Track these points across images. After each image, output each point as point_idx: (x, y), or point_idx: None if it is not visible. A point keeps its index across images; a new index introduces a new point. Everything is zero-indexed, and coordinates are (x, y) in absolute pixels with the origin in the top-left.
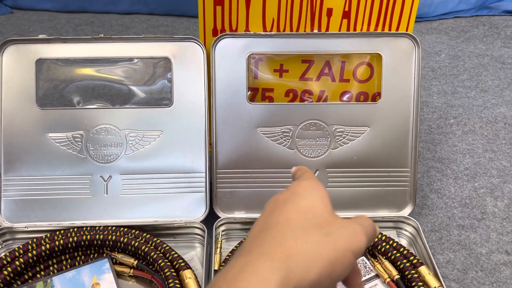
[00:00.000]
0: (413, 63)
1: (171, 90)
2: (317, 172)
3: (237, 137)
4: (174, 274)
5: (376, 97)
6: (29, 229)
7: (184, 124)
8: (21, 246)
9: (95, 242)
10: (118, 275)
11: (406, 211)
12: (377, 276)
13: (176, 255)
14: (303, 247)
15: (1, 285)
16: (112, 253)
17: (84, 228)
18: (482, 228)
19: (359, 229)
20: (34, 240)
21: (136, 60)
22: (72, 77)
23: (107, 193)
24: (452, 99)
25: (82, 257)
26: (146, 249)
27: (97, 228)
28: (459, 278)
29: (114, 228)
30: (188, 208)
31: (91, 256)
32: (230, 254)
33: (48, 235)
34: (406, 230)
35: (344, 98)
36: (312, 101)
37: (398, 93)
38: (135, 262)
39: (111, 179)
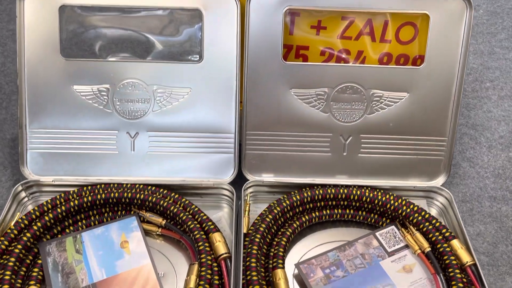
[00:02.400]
0: (463, 26)
1: (201, 45)
2: (350, 137)
3: (269, 98)
4: (204, 236)
5: (417, 60)
6: (56, 182)
7: (214, 82)
8: (49, 201)
9: (123, 200)
10: (146, 233)
11: (439, 181)
12: (407, 246)
13: (205, 217)
14: None
15: (31, 239)
16: (140, 211)
17: (112, 185)
18: None
19: None
20: (62, 195)
21: (164, 11)
22: (97, 27)
23: (134, 150)
24: (488, 61)
25: (110, 213)
26: (175, 209)
27: (124, 185)
28: (489, 252)
29: (141, 186)
30: (216, 169)
31: (119, 213)
32: (258, 218)
33: (76, 190)
34: (437, 200)
35: (384, 61)
36: (349, 62)
37: (443, 58)
38: (164, 222)
39: (138, 135)
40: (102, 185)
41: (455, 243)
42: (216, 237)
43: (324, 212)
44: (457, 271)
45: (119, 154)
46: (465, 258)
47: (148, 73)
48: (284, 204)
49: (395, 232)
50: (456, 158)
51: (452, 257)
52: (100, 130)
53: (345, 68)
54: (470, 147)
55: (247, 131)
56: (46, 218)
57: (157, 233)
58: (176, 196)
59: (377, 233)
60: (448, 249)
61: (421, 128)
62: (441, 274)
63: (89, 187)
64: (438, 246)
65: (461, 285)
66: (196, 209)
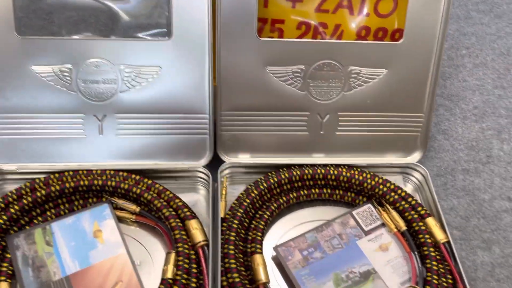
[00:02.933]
0: None
1: (169, 21)
2: (327, 116)
3: (243, 76)
4: (180, 224)
5: (395, 34)
6: (20, 170)
7: (184, 60)
8: (14, 191)
9: (93, 187)
10: (120, 221)
11: (415, 157)
12: (383, 225)
13: (180, 203)
14: None
15: None
16: (113, 198)
17: (81, 172)
18: (487, 172)
19: None
20: (28, 184)
21: None
22: (56, 1)
23: (102, 134)
24: (465, 26)
25: (80, 201)
26: (149, 197)
27: (94, 172)
28: (461, 226)
29: (112, 172)
30: (191, 151)
31: (90, 200)
32: (236, 202)
33: (42, 179)
34: (413, 176)
35: (362, 34)
36: (326, 36)
37: (422, 30)
38: (138, 209)
39: (106, 118)
40: (71, 172)
41: (430, 221)
42: (192, 224)
43: (302, 192)
44: (432, 249)
45: (86, 139)
46: (439, 235)
47: (113, 52)
48: (262, 186)
49: (372, 211)
50: (431, 131)
51: (427, 236)
52: (65, 113)
53: (322, 45)
54: (445, 118)
55: (221, 111)
56: (12, 210)
57: (132, 220)
58: (150, 182)
59: (354, 212)
60: (423, 227)
61: (398, 105)
62: (416, 252)
63: (57, 175)
64: (414, 224)
65: (434, 262)
66: (171, 195)
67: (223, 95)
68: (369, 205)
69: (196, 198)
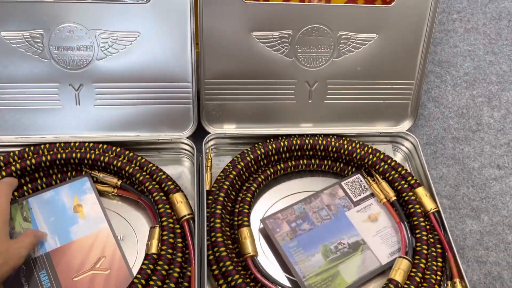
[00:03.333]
0: None
1: None
2: (316, 83)
3: (228, 42)
4: (164, 197)
5: None
6: None
7: (165, 24)
8: None
9: (71, 160)
10: (101, 195)
11: (405, 126)
12: (372, 195)
13: (164, 176)
14: None
15: None
16: (92, 172)
17: (58, 145)
18: (476, 140)
19: None
20: (1, 158)
21: None
22: None
23: (79, 104)
24: None
25: (59, 175)
26: (131, 169)
27: (72, 144)
28: (450, 195)
29: (91, 144)
30: (173, 122)
31: (69, 174)
32: (221, 174)
33: (17, 152)
34: (403, 145)
35: None
36: (315, 1)
37: None
38: (119, 182)
39: (83, 88)
40: (47, 145)
41: (420, 190)
42: (177, 197)
43: (290, 163)
44: (421, 219)
45: (63, 109)
46: (429, 205)
47: (88, 16)
48: (248, 158)
49: (361, 181)
50: (421, 99)
51: (417, 205)
52: (38, 82)
53: (311, 8)
54: (435, 85)
55: (205, 80)
56: None
57: (113, 193)
58: (131, 154)
59: (342, 183)
60: (413, 197)
61: (389, 72)
62: (405, 222)
63: (32, 148)
64: (404, 194)
65: (424, 232)
66: (154, 167)
67: (206, 62)
68: (358, 175)
69: (180, 171)
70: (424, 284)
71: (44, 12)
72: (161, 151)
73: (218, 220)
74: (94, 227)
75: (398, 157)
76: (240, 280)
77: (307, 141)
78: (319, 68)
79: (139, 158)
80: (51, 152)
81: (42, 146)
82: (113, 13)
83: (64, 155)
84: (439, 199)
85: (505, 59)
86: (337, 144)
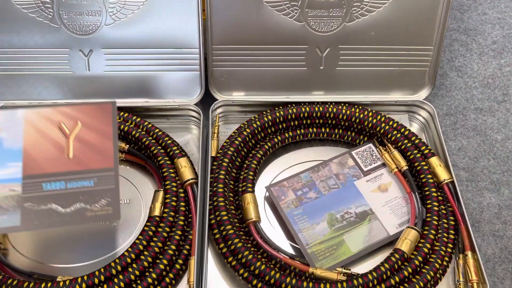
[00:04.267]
0: None
1: None
2: (328, 49)
3: (236, 7)
4: (168, 162)
5: None
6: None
7: None
8: None
9: None
10: None
11: (422, 94)
12: (384, 165)
13: (170, 141)
14: None
15: None
16: None
17: None
18: (502, 111)
19: None
20: None
21: None
22: None
23: (89, 70)
24: None
25: None
26: (137, 134)
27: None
28: (469, 167)
29: None
30: (181, 88)
31: None
32: (227, 140)
33: None
34: (419, 115)
35: None
36: None
37: None
38: (127, 147)
39: (92, 54)
40: None
41: (434, 160)
42: (181, 162)
43: (298, 131)
44: (433, 189)
45: (73, 75)
46: (443, 175)
47: None
48: (255, 125)
49: (372, 150)
50: (443, 68)
51: (429, 175)
52: (49, 48)
53: None
54: (460, 54)
55: (213, 45)
56: None
57: (121, 158)
58: (138, 119)
59: (353, 152)
60: (426, 167)
61: (405, 37)
62: (416, 193)
63: None
64: (416, 164)
65: (435, 203)
66: (160, 133)
67: (214, 27)
68: (370, 144)
69: (188, 137)
70: (433, 256)
71: None
72: (170, 117)
73: (220, 185)
74: None
75: (414, 127)
76: (240, 244)
77: (316, 108)
78: (330, 33)
79: (146, 123)
80: None
81: None
82: None
83: None
84: (457, 171)
85: None
86: (348, 112)
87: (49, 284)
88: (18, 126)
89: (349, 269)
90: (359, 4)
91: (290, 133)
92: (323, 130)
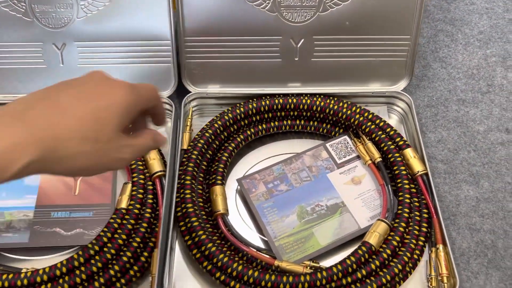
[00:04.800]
0: None
1: None
2: (302, 40)
3: None
4: None
5: None
6: None
7: None
8: None
9: None
10: None
11: (401, 85)
12: (358, 157)
13: None
14: (46, 105)
15: None
16: None
17: None
18: (486, 102)
19: (121, 85)
20: None
21: None
22: None
23: (63, 63)
24: None
25: None
26: None
27: None
28: (448, 159)
29: None
30: (154, 81)
31: None
32: (199, 133)
33: None
34: (398, 106)
35: None
36: None
37: None
38: None
39: (66, 47)
40: None
41: (408, 152)
42: (150, 154)
43: (272, 124)
44: (406, 181)
45: (47, 69)
46: (417, 167)
47: None
48: (226, 117)
49: (347, 143)
50: (427, 59)
51: (403, 167)
52: (22, 42)
53: None
54: (444, 45)
55: (185, 37)
56: None
57: None
58: None
59: (327, 144)
60: (399, 158)
61: (381, 27)
62: (389, 185)
63: None
64: (390, 155)
65: (407, 195)
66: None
67: (185, 19)
68: (345, 136)
69: (162, 131)
70: (402, 249)
71: None
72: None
73: (188, 177)
74: None
75: (394, 119)
76: (203, 236)
77: (290, 100)
78: (304, 23)
79: None
80: None
81: None
82: None
83: None
84: (435, 163)
85: None
86: (322, 103)
87: (10, 276)
88: None
89: (318, 262)
90: None
91: (264, 126)
92: (297, 122)
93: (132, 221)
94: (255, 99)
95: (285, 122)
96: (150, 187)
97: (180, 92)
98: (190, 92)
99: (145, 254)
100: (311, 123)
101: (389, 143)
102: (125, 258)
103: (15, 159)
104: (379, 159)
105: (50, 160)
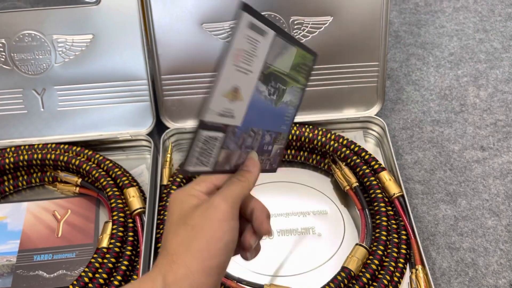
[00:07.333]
0: None
1: None
2: None
3: (180, 36)
4: (117, 193)
5: None
6: None
7: (116, 25)
8: None
9: (33, 162)
10: (64, 194)
11: (374, 110)
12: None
13: (119, 172)
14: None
15: None
16: (55, 172)
17: (22, 147)
18: (459, 122)
19: (218, 201)
20: None
21: None
22: None
23: (43, 108)
24: None
25: (25, 177)
26: (88, 167)
27: (36, 146)
28: (425, 180)
29: (54, 145)
30: (134, 120)
31: (35, 175)
32: (178, 168)
33: None
34: (373, 130)
35: None
36: None
37: None
38: (79, 180)
39: (45, 92)
40: (12, 148)
41: (383, 175)
42: (130, 192)
43: None
44: (382, 204)
45: (28, 114)
46: (393, 189)
47: (43, 22)
48: None
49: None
50: (400, 82)
51: (378, 190)
52: (3, 89)
53: None
54: (416, 68)
55: (161, 75)
56: None
57: (76, 192)
58: (90, 152)
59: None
60: (374, 182)
61: (350, 55)
62: (366, 209)
63: None
64: (365, 180)
65: (384, 218)
66: (111, 164)
67: (160, 58)
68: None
69: (142, 168)
70: (382, 272)
71: (4, 21)
72: (126, 149)
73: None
74: None
75: (370, 143)
76: None
77: None
78: None
79: (97, 156)
80: (15, 155)
81: (8, 149)
82: (67, 18)
83: (26, 157)
84: (412, 184)
85: (497, 36)
86: (297, 132)
87: None
88: (21, 214)
89: None
90: (300, 27)
91: None
92: None
93: (113, 260)
94: None
95: None
96: (131, 225)
97: (160, 128)
98: (169, 128)
99: None
100: (289, 151)
101: (364, 167)
102: None
103: None
104: (355, 184)
105: None
